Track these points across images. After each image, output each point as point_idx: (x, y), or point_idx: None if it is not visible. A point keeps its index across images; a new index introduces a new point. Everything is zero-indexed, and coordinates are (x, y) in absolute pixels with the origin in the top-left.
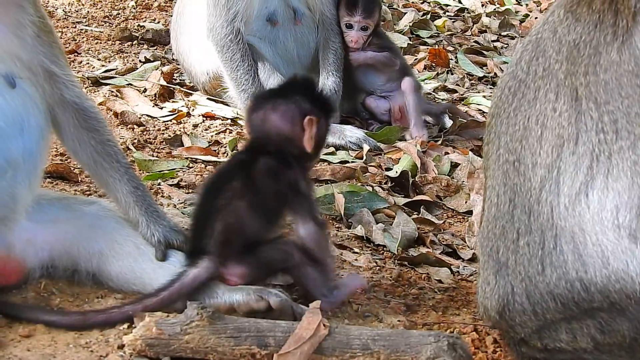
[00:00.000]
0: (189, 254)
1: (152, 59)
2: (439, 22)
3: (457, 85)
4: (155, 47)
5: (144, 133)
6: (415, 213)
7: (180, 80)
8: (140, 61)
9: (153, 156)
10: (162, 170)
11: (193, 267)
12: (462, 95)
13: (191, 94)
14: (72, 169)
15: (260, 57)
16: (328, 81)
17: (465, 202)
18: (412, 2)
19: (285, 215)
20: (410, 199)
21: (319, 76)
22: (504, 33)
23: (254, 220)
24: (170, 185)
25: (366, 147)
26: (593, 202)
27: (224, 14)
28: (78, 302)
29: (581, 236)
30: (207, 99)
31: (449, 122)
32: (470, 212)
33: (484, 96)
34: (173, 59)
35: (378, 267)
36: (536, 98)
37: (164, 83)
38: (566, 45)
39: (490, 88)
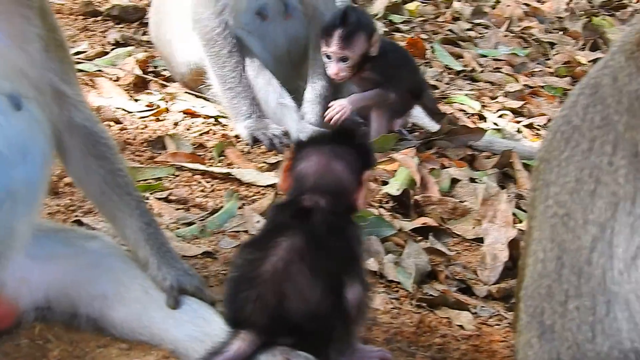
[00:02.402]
0: (227, 321)
1: (122, 41)
2: (410, 6)
3: (437, 80)
4: (122, 26)
5: (123, 132)
6: (421, 239)
7: (153, 68)
8: (109, 43)
9: (134, 160)
10: (147, 179)
11: (235, 340)
12: (443, 92)
13: (167, 86)
14: (52, 179)
15: (249, 53)
16: (316, 85)
17: (473, 228)
18: None
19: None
20: (415, 224)
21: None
22: (477, 21)
23: (316, 290)
24: (159, 199)
25: None
26: None
27: (212, 5)
28: (77, 351)
29: (637, 304)
30: (186, 92)
31: (431, 125)
32: (478, 240)
33: (466, 94)
34: (142, 42)
35: (396, 311)
36: (591, 149)
37: (139, 73)
38: (627, 95)
39: (469, 84)
